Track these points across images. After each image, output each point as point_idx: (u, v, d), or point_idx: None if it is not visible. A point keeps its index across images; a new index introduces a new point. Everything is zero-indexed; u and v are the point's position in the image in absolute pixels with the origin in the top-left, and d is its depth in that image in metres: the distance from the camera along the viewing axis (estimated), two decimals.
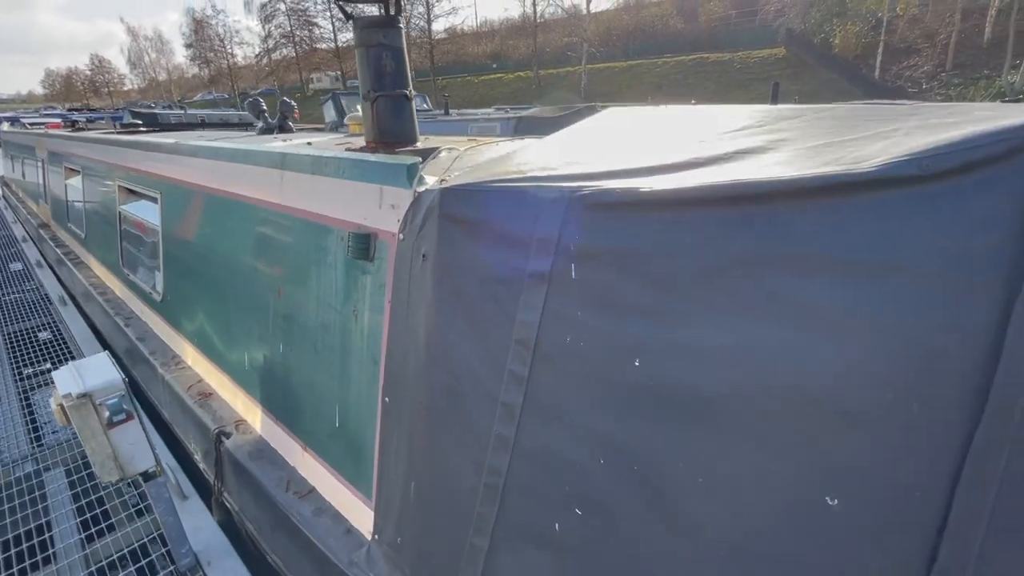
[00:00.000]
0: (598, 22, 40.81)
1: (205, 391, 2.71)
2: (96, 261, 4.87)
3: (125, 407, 1.77)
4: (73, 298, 5.29)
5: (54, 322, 5.03)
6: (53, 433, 3.14)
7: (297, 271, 1.93)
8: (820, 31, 28.26)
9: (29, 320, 5.15)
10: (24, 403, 3.77)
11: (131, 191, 3.79)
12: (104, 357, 1.95)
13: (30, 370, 4.45)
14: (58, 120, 12.95)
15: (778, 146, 1.39)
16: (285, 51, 61.19)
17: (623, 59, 38.86)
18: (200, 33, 65.07)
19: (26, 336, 4.84)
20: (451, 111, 17.64)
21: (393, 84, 1.76)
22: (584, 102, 29.70)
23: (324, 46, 59.02)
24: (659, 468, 1.12)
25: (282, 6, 57.55)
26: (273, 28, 59.71)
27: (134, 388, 3.58)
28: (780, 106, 2.44)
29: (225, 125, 6.30)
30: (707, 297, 1.07)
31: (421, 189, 1.39)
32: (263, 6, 58.52)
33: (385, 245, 1.52)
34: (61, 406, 1.73)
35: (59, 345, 4.57)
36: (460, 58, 51.92)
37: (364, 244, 1.55)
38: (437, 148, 1.86)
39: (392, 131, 1.81)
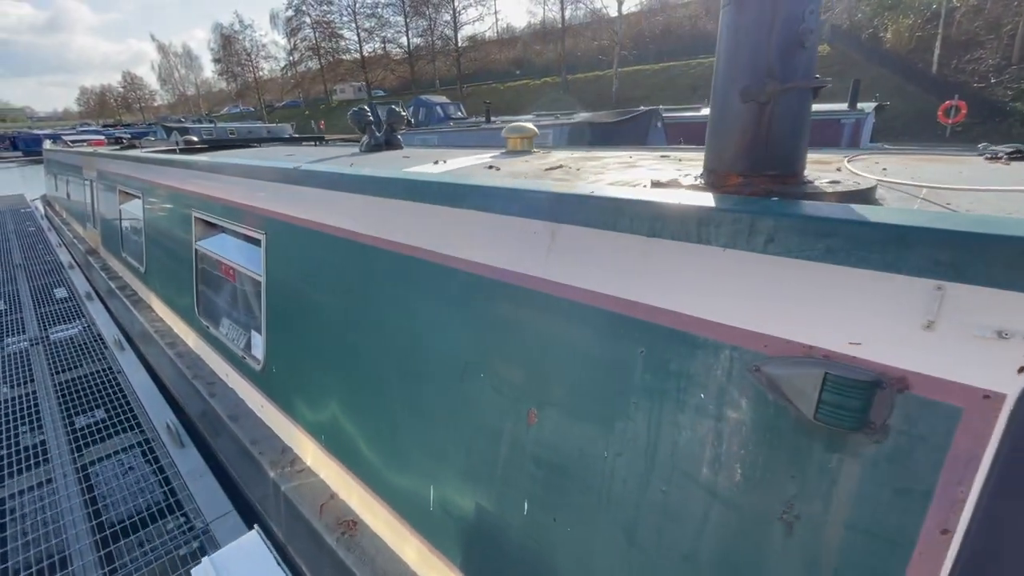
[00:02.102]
0: (627, 24, 39.84)
1: (344, 516, 1.93)
2: (160, 302, 4.18)
3: None
4: (131, 341, 4.62)
5: (110, 369, 4.36)
6: (124, 540, 2.40)
7: (586, 397, 1.12)
8: (869, 26, 26.85)
9: (81, 366, 4.50)
10: (84, 488, 3.07)
11: (213, 225, 3.07)
12: (257, 543, 1.16)
13: (83, 420, 3.79)
14: (101, 137, 12.59)
15: None
16: (310, 63, 61.83)
17: (654, 61, 37.78)
18: (228, 48, 66.32)
19: (79, 384, 4.19)
20: (492, 118, 16.96)
21: (807, 70, 0.94)
22: (615, 106, 28.76)
23: (348, 57, 59.36)
24: None
25: (307, 19, 58.19)
26: (299, 41, 60.43)
27: (226, 484, 2.83)
28: None
29: (296, 139, 5.63)
30: None
31: None
32: (289, 20, 59.32)
33: (943, 412, 0.69)
34: None
35: (116, 396, 3.89)
36: (484, 65, 51.55)
37: (861, 399, 0.73)
38: (873, 185, 1.03)
39: (786, 154, 0.99)
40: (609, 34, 37.16)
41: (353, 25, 56.81)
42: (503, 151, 2.50)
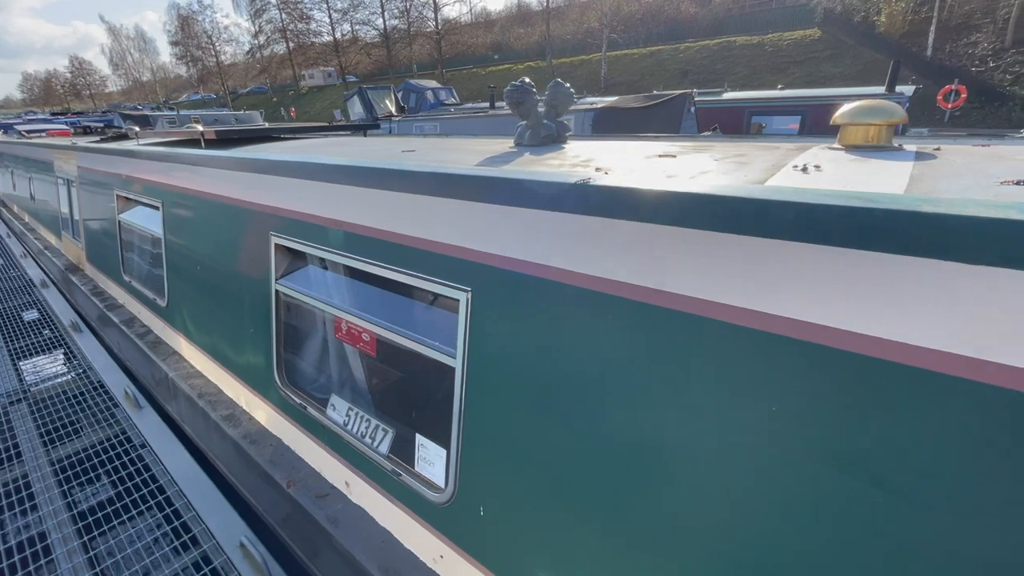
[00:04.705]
0: (613, 7, 38.73)
1: None
2: (201, 354, 3.08)
3: None
4: (149, 396, 3.52)
5: (127, 440, 3.27)
6: None
7: None
8: (861, 10, 26.60)
9: (85, 433, 3.38)
10: None
11: (305, 257, 2.04)
12: None
13: (86, 504, 2.75)
14: (63, 126, 10.92)
15: None
16: (277, 47, 58.56)
17: (642, 45, 36.88)
18: (187, 30, 62.30)
19: (86, 463, 3.09)
20: (497, 104, 15.73)
21: None
22: (604, 92, 27.79)
23: (320, 41, 56.40)
24: None
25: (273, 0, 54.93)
26: (264, 23, 57.12)
27: None
28: None
29: (337, 128, 4.53)
30: None
31: None
32: (252, 0, 55.94)
33: None
34: None
35: (149, 489, 2.82)
36: (461, 50, 49.70)
37: None
38: None
39: None
40: (597, 16, 36.08)
41: (324, 6, 53.89)
42: (831, 146, 1.56)
